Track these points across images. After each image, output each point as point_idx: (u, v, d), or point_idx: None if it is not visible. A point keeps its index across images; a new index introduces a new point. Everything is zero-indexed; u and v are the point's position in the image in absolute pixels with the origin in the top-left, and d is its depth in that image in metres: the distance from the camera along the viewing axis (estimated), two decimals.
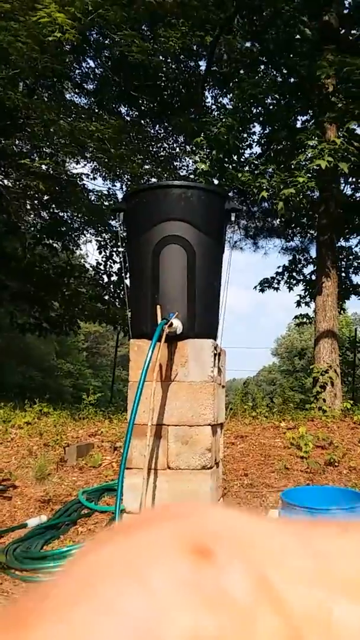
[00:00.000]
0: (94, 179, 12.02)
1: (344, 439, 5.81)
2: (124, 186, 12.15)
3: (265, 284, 10.61)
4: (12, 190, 10.63)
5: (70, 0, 7.18)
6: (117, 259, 11.38)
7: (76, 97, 12.24)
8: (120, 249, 9.98)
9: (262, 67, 9.73)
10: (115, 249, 11.33)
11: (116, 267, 11.55)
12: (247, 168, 8.46)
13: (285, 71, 9.21)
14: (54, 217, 12.06)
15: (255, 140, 9.79)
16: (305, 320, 10.72)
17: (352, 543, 0.20)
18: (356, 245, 11.05)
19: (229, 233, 3.86)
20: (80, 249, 13.55)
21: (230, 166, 8.33)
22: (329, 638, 0.17)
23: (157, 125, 12.66)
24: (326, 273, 8.46)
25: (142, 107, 12.20)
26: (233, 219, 3.66)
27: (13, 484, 4.74)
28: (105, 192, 11.41)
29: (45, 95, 11.18)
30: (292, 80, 9.12)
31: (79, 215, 11.64)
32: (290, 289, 10.73)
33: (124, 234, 3.84)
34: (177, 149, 12.64)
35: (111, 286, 11.79)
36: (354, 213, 10.41)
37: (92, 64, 11.77)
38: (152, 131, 12.58)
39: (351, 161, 7.21)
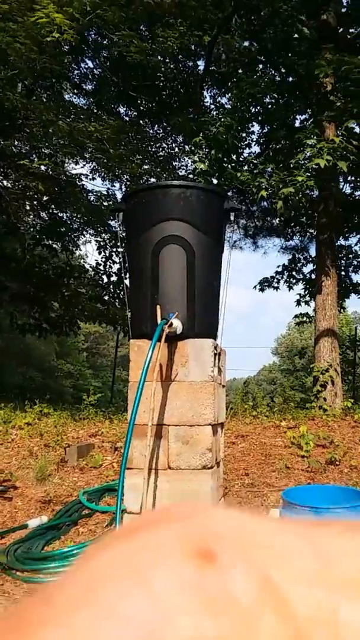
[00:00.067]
0: (93, 179, 12.03)
1: (344, 437, 5.81)
2: (123, 186, 12.16)
3: (265, 283, 10.61)
4: (11, 191, 10.64)
5: (69, 0, 7.18)
6: (117, 259, 11.38)
7: (75, 98, 12.26)
8: (120, 249, 9.97)
9: (261, 66, 9.73)
10: (114, 249, 11.33)
11: (116, 267, 11.56)
12: (246, 167, 8.46)
13: (283, 70, 9.21)
14: (53, 217, 12.06)
15: (254, 139, 9.80)
16: (305, 319, 10.72)
17: (355, 542, 0.20)
18: (356, 244, 11.05)
19: (228, 232, 3.86)
20: (80, 250, 13.57)
21: (229, 166, 8.33)
22: (334, 639, 0.17)
23: (156, 125, 12.66)
24: (326, 272, 8.46)
25: (141, 107, 12.20)
26: (232, 218, 3.66)
27: (14, 484, 4.73)
28: (105, 193, 11.43)
29: (44, 95, 11.18)
30: (290, 79, 9.12)
31: (79, 216, 11.64)
32: (290, 288, 10.74)
33: (124, 234, 3.84)
34: (176, 149, 12.65)
35: (111, 286, 11.79)
36: (353, 212, 10.41)
37: (90, 64, 11.79)
38: (151, 131, 12.58)
39: (350, 160, 7.21)
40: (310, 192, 8.61)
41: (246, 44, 10.36)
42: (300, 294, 10.74)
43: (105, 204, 10.79)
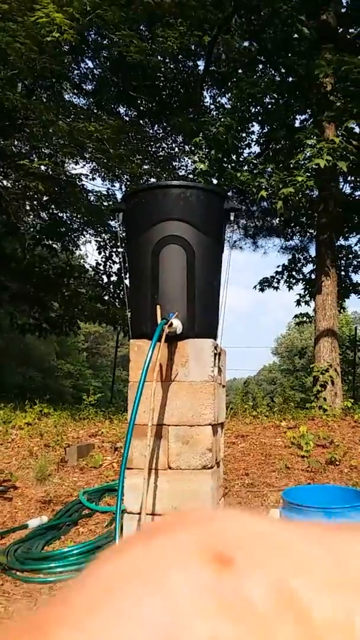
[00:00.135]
0: (93, 179, 12.03)
1: (344, 437, 5.81)
2: (123, 186, 12.16)
3: (265, 283, 10.61)
4: (11, 191, 10.63)
5: (69, 0, 7.18)
6: (117, 259, 11.38)
7: (75, 98, 12.27)
8: (120, 249, 9.98)
9: (261, 66, 9.74)
10: (114, 249, 11.33)
11: (116, 267, 11.55)
12: (246, 167, 8.46)
13: (283, 70, 9.21)
14: (53, 217, 12.06)
15: (254, 139, 9.81)
16: (305, 319, 10.72)
17: None
18: (355, 244, 11.06)
19: (228, 232, 3.86)
20: (80, 250, 13.58)
21: (229, 166, 8.33)
22: None
23: (156, 125, 12.66)
24: (326, 272, 8.46)
25: (141, 107, 12.20)
26: (232, 218, 3.65)
27: (14, 484, 4.73)
28: (105, 193, 11.42)
29: (44, 95, 11.18)
30: (290, 79, 9.12)
31: (78, 216, 11.64)
32: (290, 288, 10.74)
33: (123, 234, 3.84)
34: (176, 149, 12.65)
35: (111, 286, 11.79)
36: (353, 212, 10.42)
37: (90, 64, 11.79)
38: (151, 131, 12.58)
39: (350, 160, 7.21)
40: (310, 192, 8.61)
41: (246, 44, 10.37)
42: (300, 294, 10.75)
43: (105, 204, 10.79)
